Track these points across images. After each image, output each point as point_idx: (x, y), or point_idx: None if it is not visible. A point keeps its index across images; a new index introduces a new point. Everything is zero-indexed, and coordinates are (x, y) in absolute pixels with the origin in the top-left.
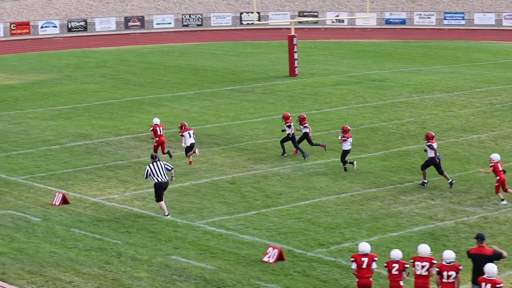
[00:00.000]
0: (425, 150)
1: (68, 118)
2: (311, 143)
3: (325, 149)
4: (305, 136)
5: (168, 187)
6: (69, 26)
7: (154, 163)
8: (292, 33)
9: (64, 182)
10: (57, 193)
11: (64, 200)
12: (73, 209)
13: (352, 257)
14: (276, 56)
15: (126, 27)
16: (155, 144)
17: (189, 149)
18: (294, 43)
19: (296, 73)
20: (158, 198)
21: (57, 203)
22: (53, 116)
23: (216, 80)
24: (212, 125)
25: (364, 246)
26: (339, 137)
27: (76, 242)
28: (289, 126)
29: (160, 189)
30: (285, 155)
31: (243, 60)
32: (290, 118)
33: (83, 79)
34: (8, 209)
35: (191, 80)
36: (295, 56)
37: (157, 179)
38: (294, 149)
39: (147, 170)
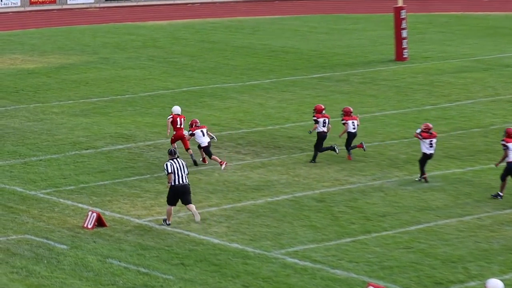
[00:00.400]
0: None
1: (105, 113)
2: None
3: (364, 150)
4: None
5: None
6: None
7: (174, 160)
8: (400, 3)
9: (99, 198)
10: (90, 213)
11: (99, 222)
12: (110, 233)
13: None
14: (378, 34)
15: None
16: (172, 138)
17: (207, 151)
18: (402, 16)
19: (404, 56)
20: (170, 202)
21: (89, 226)
22: (86, 111)
23: (299, 65)
24: (293, 124)
25: (495, 284)
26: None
27: (114, 278)
28: (324, 123)
29: (175, 194)
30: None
31: (335, 39)
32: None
33: (125, 63)
34: (25, 233)
35: (267, 65)
36: (404, 34)
37: (175, 180)
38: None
39: (170, 164)
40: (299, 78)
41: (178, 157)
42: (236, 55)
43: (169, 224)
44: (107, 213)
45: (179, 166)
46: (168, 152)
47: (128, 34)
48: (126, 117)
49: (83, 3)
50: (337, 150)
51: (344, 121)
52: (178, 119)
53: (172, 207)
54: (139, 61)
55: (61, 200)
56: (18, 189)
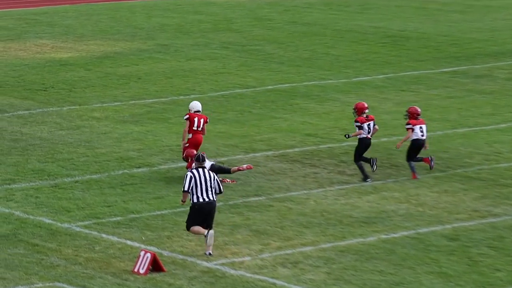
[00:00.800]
0: None
1: (164, 120)
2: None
3: (431, 167)
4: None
5: None
6: None
7: (200, 170)
8: None
9: (155, 233)
10: (142, 253)
11: (155, 266)
12: (170, 281)
13: None
14: None
15: None
16: (186, 145)
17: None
18: None
19: None
20: (191, 223)
21: (142, 271)
22: (137, 117)
23: (424, 56)
24: None
25: None
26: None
27: None
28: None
29: (199, 214)
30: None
31: (473, 19)
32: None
33: (190, 52)
34: (55, 279)
35: (380, 55)
36: None
37: (198, 197)
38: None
39: (189, 178)
40: (424, 72)
41: (205, 166)
42: (338, 41)
43: (206, 235)
44: (165, 253)
45: (208, 178)
46: (195, 159)
47: (194, 12)
48: None
49: None
50: (374, 167)
51: (409, 126)
52: (196, 119)
53: (196, 228)
54: (209, 50)
55: (104, 235)
56: (46, 220)
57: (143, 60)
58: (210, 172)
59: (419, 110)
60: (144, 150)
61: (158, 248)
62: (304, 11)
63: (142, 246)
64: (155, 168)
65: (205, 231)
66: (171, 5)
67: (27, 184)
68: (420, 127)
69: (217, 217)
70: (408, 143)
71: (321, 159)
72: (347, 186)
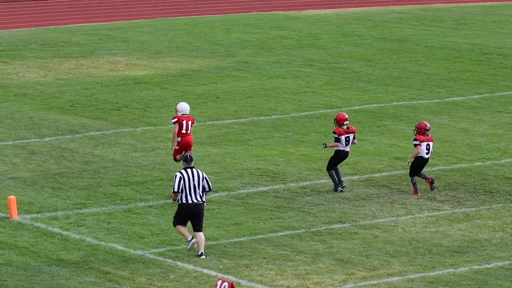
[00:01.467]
0: None
1: (243, 141)
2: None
3: (432, 188)
4: None
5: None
6: None
7: (189, 170)
8: None
9: (233, 262)
10: (219, 282)
11: None
12: None
13: None
14: None
15: None
16: (176, 148)
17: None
18: None
19: None
20: (177, 221)
21: None
22: (215, 138)
23: None
24: None
25: None
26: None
27: None
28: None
29: (186, 214)
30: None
31: None
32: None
33: (273, 70)
34: None
35: (476, 74)
36: None
37: (187, 197)
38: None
39: (179, 178)
40: None
41: (194, 166)
42: (431, 59)
43: (189, 240)
44: (243, 282)
45: (196, 178)
46: (183, 159)
47: (277, 28)
48: (273, 146)
49: None
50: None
51: (416, 142)
52: (184, 122)
53: (180, 226)
54: (292, 67)
55: (179, 263)
56: (119, 247)
57: (222, 78)
58: (199, 171)
59: (428, 125)
60: (222, 173)
61: (236, 277)
62: (394, 27)
63: (219, 274)
64: (234, 192)
65: (189, 236)
66: (252, 20)
67: (99, 208)
68: (427, 145)
69: (299, 244)
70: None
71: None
72: (437, 213)
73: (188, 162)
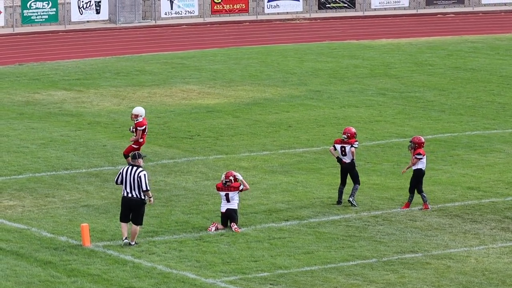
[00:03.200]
0: None
1: (315, 170)
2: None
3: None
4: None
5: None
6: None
7: (129, 167)
8: None
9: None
10: None
11: None
12: None
13: None
14: None
15: (430, 2)
16: (135, 147)
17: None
18: None
19: None
20: (121, 217)
21: None
22: (287, 167)
23: None
24: None
25: None
26: None
27: None
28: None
29: (125, 208)
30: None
31: None
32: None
33: (345, 98)
34: None
35: None
36: None
37: (124, 191)
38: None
39: (118, 173)
40: None
41: (139, 165)
42: (505, 88)
43: (125, 240)
44: None
45: (132, 175)
46: (130, 156)
47: (350, 57)
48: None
49: (286, 13)
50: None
51: (420, 156)
52: (147, 125)
53: (124, 224)
54: (365, 96)
55: None
56: (190, 275)
57: (294, 107)
58: (138, 171)
59: (423, 139)
60: (293, 202)
61: None
62: (468, 56)
63: None
64: (305, 221)
65: (123, 236)
66: (325, 49)
67: (171, 236)
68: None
69: (371, 273)
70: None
71: (483, 214)
72: (511, 244)
73: (132, 159)
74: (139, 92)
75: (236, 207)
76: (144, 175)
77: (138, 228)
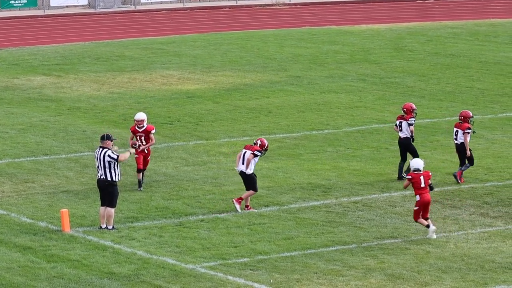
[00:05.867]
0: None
1: (295, 156)
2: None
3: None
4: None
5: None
6: None
7: (99, 149)
8: None
9: (283, 276)
10: None
11: None
12: None
13: None
14: None
15: None
16: (136, 156)
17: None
18: None
19: None
20: (101, 201)
21: None
22: (267, 152)
23: None
24: None
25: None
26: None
27: None
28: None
29: (100, 190)
30: None
31: None
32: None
33: (325, 84)
34: None
35: None
36: None
37: (97, 173)
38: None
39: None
40: None
41: (107, 147)
42: (484, 74)
43: (100, 228)
44: None
45: (98, 155)
46: (100, 137)
47: (330, 42)
48: (325, 161)
49: None
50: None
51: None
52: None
53: (103, 208)
54: (345, 82)
55: (230, 277)
56: (170, 260)
57: (274, 93)
58: (107, 153)
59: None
60: (273, 188)
61: None
62: (448, 42)
63: None
64: (285, 207)
65: (101, 224)
66: (305, 34)
67: (150, 222)
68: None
69: (350, 259)
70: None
71: (463, 200)
72: (490, 229)
73: (102, 140)
74: (119, 77)
75: (249, 172)
76: (110, 152)
77: (112, 211)
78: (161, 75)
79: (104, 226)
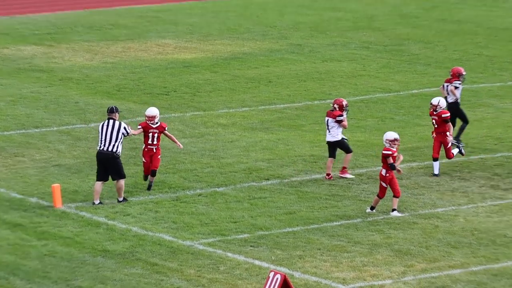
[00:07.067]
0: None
1: (297, 127)
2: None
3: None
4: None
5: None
6: None
7: (107, 121)
8: None
9: (285, 252)
10: (271, 274)
11: None
12: None
13: None
14: None
15: None
16: (144, 161)
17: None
18: None
19: None
20: (98, 175)
21: None
22: (267, 123)
23: None
24: None
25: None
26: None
27: None
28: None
29: (98, 163)
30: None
31: None
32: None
33: (327, 52)
34: None
35: None
36: None
37: (99, 146)
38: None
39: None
40: None
41: (115, 118)
42: (493, 40)
43: (93, 204)
44: (297, 274)
45: (110, 128)
46: (108, 109)
47: (332, 9)
48: (319, 133)
49: None
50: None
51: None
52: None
53: (100, 183)
54: (348, 50)
55: (229, 254)
56: (167, 237)
57: (274, 62)
58: (122, 125)
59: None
60: (274, 160)
61: (289, 269)
62: (454, 8)
63: (272, 266)
64: (287, 180)
65: (95, 200)
66: (306, 1)
67: (146, 197)
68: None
69: (355, 234)
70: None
71: (472, 171)
72: (501, 202)
73: (108, 112)
74: (113, 47)
75: (337, 139)
76: (126, 125)
77: (122, 182)
78: (157, 44)
79: (97, 202)
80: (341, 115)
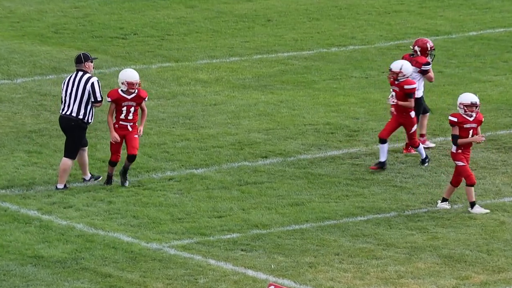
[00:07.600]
0: None
1: (306, 84)
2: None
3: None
4: None
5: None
6: None
7: (74, 74)
8: None
9: (290, 259)
10: None
11: None
12: None
13: None
14: None
15: None
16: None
17: None
18: None
19: None
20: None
21: None
22: (265, 79)
23: None
24: None
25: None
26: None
27: None
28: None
29: (64, 133)
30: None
31: None
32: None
33: None
34: None
35: None
36: None
37: (61, 108)
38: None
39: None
40: None
41: (85, 71)
42: None
43: (57, 188)
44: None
45: (73, 83)
46: (75, 58)
47: None
48: (349, 91)
49: None
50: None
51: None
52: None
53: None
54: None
55: (212, 261)
56: (124, 237)
57: None
58: (90, 79)
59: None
60: (275, 130)
61: (295, 282)
62: None
63: (271, 278)
64: (292, 158)
65: (60, 184)
66: None
67: (95, 181)
68: None
69: (387, 235)
70: None
71: None
72: None
73: (78, 63)
74: None
75: (418, 95)
76: (96, 81)
77: (68, 162)
78: None
79: (61, 186)
80: (428, 63)
